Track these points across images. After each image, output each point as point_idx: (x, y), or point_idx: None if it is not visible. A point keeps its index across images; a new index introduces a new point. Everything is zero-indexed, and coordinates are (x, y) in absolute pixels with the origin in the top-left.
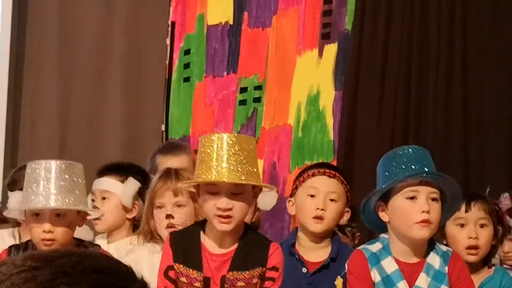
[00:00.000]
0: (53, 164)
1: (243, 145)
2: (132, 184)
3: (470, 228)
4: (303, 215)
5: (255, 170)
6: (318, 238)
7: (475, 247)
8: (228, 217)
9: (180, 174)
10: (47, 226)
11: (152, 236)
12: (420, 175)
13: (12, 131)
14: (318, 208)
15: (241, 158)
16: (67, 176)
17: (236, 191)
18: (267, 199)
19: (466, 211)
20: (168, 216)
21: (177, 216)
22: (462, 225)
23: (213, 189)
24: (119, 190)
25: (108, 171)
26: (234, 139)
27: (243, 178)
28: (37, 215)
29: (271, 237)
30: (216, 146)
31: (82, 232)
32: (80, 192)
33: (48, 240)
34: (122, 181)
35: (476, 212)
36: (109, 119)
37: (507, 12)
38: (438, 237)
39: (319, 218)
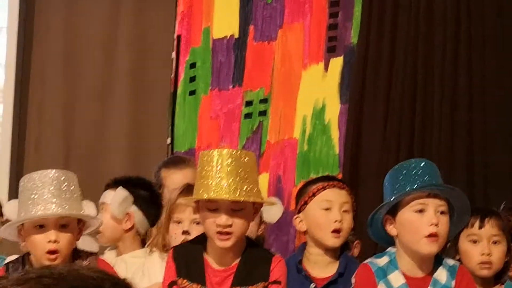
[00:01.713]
0: (49, 173)
1: (243, 161)
2: (120, 194)
3: (483, 245)
4: (319, 230)
5: (255, 185)
6: (332, 251)
7: (488, 263)
8: (228, 233)
9: None
10: (52, 235)
11: (166, 250)
12: (428, 187)
13: (17, 147)
14: (336, 221)
15: (241, 174)
16: (65, 185)
17: (236, 208)
18: (272, 212)
19: (480, 227)
20: (185, 232)
21: (194, 233)
22: (475, 241)
23: (213, 205)
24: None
25: (115, 185)
26: (234, 155)
27: (243, 194)
28: (40, 227)
29: (276, 250)
30: (215, 162)
31: (87, 244)
32: (78, 202)
33: (53, 252)
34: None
35: (489, 229)
36: (114, 132)
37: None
38: (451, 252)
39: (337, 231)
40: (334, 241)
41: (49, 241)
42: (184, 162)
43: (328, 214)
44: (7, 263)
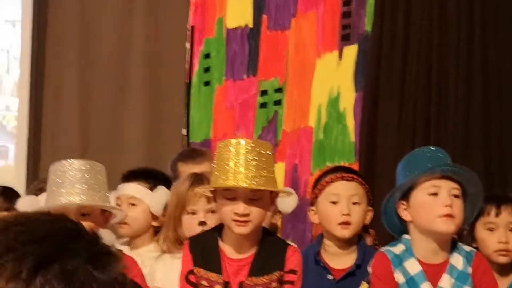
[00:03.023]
0: (76, 164)
1: (260, 151)
2: (164, 193)
3: (500, 233)
4: (328, 223)
5: (272, 175)
6: (345, 243)
7: (506, 250)
8: (246, 221)
9: (209, 179)
10: None
11: (180, 242)
12: (440, 167)
13: (33, 140)
14: (343, 214)
15: (259, 163)
16: (90, 175)
17: (253, 197)
18: (287, 202)
19: (497, 215)
20: (202, 223)
21: (210, 223)
22: (492, 229)
23: (231, 194)
24: (147, 197)
25: (135, 177)
26: (251, 144)
27: (261, 183)
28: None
29: (293, 239)
30: (233, 152)
31: (104, 236)
32: (103, 192)
33: None
34: (150, 188)
35: (506, 217)
36: (130, 124)
37: None
38: (468, 241)
39: (345, 223)
40: (343, 233)
41: None
42: (202, 155)
43: (336, 207)
44: None
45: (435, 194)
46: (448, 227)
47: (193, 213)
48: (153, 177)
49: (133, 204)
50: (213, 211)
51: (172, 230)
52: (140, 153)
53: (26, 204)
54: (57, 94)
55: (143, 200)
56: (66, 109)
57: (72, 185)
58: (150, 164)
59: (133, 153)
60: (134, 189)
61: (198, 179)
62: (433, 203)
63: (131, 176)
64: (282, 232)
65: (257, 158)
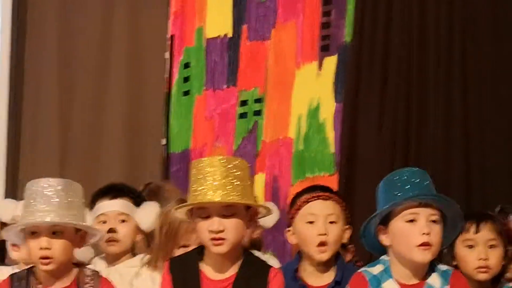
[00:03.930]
0: (52, 182)
1: (233, 168)
2: (153, 209)
3: (479, 250)
4: (306, 245)
5: (247, 191)
6: (323, 265)
7: (485, 267)
8: (221, 239)
9: None
10: (44, 241)
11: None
12: (419, 196)
13: (13, 148)
14: (320, 234)
15: (232, 180)
16: (64, 194)
17: (227, 213)
18: (268, 217)
19: (476, 232)
20: None
21: None
22: (471, 246)
23: (205, 213)
24: (135, 213)
25: (118, 192)
26: (224, 162)
27: (234, 198)
28: (33, 234)
29: (274, 251)
30: (206, 170)
31: (81, 254)
32: (78, 211)
33: (45, 258)
34: (135, 204)
35: (485, 233)
36: (109, 133)
37: (506, 23)
38: (447, 258)
39: (323, 244)
40: (320, 256)
41: (41, 248)
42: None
43: (312, 227)
44: (12, 275)
45: (413, 220)
46: (425, 257)
47: (185, 246)
48: (133, 193)
49: (123, 221)
50: None
51: (160, 260)
52: (119, 162)
53: (4, 208)
54: (36, 102)
55: (132, 216)
56: (45, 117)
57: (45, 204)
58: (129, 174)
59: (113, 163)
60: (123, 205)
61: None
62: (411, 231)
63: (112, 191)
64: (262, 246)
65: (230, 176)
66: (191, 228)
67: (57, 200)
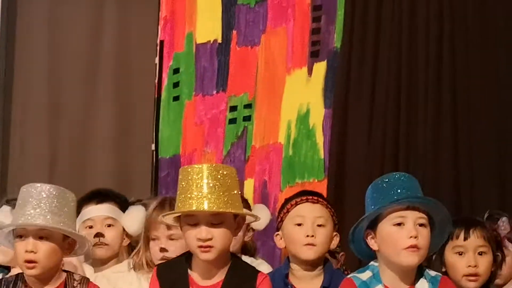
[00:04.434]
0: (44, 188)
1: (221, 175)
2: (141, 213)
3: (469, 256)
4: (293, 246)
5: (235, 199)
6: (310, 266)
7: (475, 275)
8: (209, 247)
9: (174, 204)
10: (29, 244)
11: (148, 267)
12: (406, 199)
13: (2, 151)
14: (308, 236)
15: (220, 188)
16: (56, 201)
17: (215, 221)
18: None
19: (465, 238)
20: (162, 250)
21: (172, 249)
22: (460, 253)
23: (193, 220)
24: (122, 218)
25: (104, 197)
26: (212, 169)
27: (221, 207)
28: (21, 237)
29: (263, 256)
30: (194, 178)
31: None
32: (69, 219)
33: (30, 262)
34: (121, 209)
35: (475, 240)
36: (99, 138)
37: (494, 30)
38: (437, 264)
39: (310, 244)
40: (307, 254)
41: (26, 251)
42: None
43: (300, 229)
44: (1, 279)
45: (400, 224)
46: (412, 260)
47: (155, 239)
48: (119, 198)
49: (110, 225)
50: (173, 239)
51: (142, 253)
52: (108, 168)
53: None
54: (26, 106)
55: (119, 220)
56: (34, 124)
57: (36, 207)
58: (119, 180)
59: (102, 167)
60: (110, 209)
61: (162, 204)
62: (399, 234)
63: (99, 196)
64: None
65: (218, 183)
66: (159, 220)
67: (48, 205)
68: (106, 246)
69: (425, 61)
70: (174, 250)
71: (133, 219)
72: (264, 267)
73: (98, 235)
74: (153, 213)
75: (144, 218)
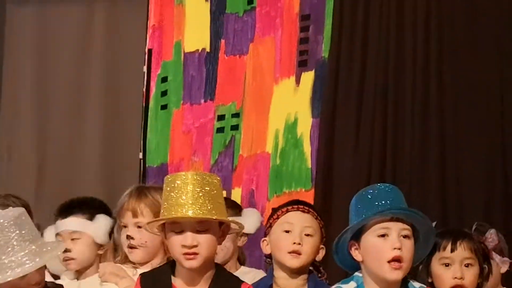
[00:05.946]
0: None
1: (206, 184)
2: (105, 221)
3: (455, 268)
4: (279, 251)
5: (220, 207)
6: (295, 273)
7: (461, 287)
8: (194, 254)
9: (144, 192)
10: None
11: (127, 259)
12: (390, 211)
13: None
14: (294, 243)
15: (205, 196)
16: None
17: (200, 228)
18: (251, 222)
19: (452, 250)
20: (129, 237)
21: (137, 237)
22: (447, 265)
23: (178, 227)
24: (89, 228)
25: (70, 210)
26: (197, 177)
27: (206, 214)
28: None
29: (250, 265)
30: (179, 186)
31: (52, 266)
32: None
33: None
34: (89, 219)
35: (461, 252)
36: (86, 146)
37: (483, 40)
38: (423, 275)
39: (296, 252)
40: (292, 262)
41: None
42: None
43: (288, 236)
44: None
45: (384, 235)
46: (396, 276)
47: (125, 227)
48: (89, 207)
49: (75, 239)
50: (139, 226)
51: (120, 247)
52: (96, 176)
53: None
54: (14, 114)
55: (85, 232)
56: (22, 131)
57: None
58: (106, 188)
59: (90, 175)
60: (73, 223)
61: (131, 192)
62: (382, 246)
63: (67, 209)
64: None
65: (203, 191)
66: (125, 207)
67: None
68: (73, 261)
69: (412, 71)
70: (140, 238)
71: (99, 228)
72: (257, 277)
73: (65, 250)
74: (124, 200)
75: (109, 226)
